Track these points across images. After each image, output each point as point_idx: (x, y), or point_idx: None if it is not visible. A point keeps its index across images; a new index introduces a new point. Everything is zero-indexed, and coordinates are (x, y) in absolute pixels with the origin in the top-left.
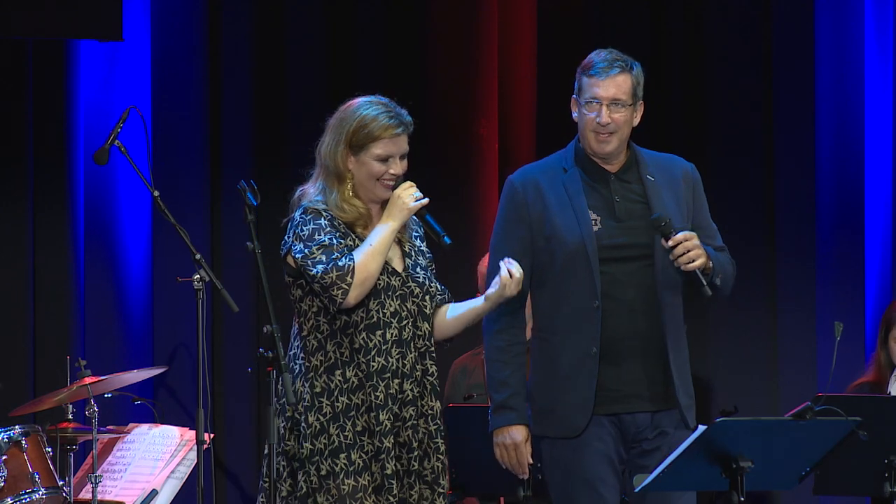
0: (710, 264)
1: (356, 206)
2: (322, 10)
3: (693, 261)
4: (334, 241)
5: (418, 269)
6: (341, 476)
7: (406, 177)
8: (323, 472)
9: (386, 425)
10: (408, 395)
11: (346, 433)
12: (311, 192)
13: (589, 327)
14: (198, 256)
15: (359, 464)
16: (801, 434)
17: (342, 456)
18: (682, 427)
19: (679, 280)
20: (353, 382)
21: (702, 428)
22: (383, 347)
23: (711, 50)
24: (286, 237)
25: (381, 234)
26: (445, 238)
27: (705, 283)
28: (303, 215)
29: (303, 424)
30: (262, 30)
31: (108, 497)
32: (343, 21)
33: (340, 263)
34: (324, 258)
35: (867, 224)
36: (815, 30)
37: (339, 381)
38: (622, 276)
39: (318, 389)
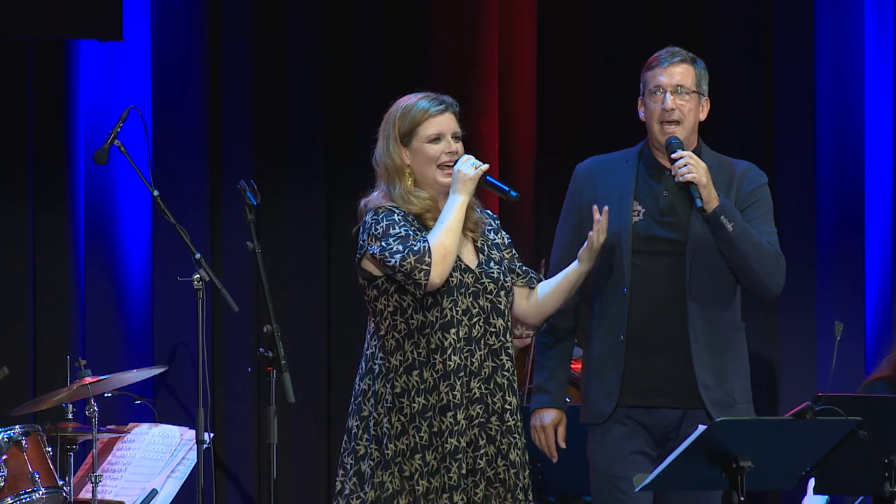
0: (715, 196)
1: (422, 198)
2: (322, 10)
3: (690, 174)
4: (410, 232)
5: (492, 265)
6: (416, 477)
7: None
8: (406, 474)
9: (463, 424)
10: (475, 394)
11: (422, 434)
12: (375, 196)
13: (617, 314)
14: (198, 256)
15: (433, 465)
16: (801, 434)
17: (417, 457)
18: None
19: (723, 280)
20: (430, 383)
21: (702, 428)
22: (458, 346)
23: (711, 50)
24: (360, 242)
25: (451, 211)
26: (512, 192)
27: (697, 196)
28: (374, 216)
29: (385, 425)
30: (262, 30)
31: (108, 497)
32: (343, 21)
33: (416, 248)
34: (400, 247)
35: (867, 224)
36: (815, 30)
37: (417, 381)
38: (654, 270)
39: (398, 390)
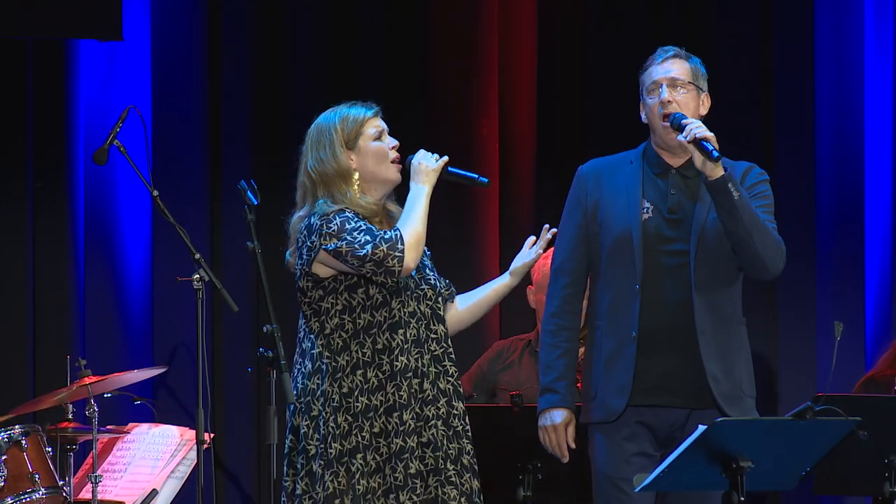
0: (722, 167)
1: (369, 202)
2: (322, 9)
3: (705, 131)
4: (371, 226)
5: (427, 271)
6: (357, 476)
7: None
8: (350, 474)
9: (409, 425)
10: (428, 395)
11: (364, 434)
12: (317, 207)
13: (629, 312)
14: (197, 256)
15: (371, 465)
16: (801, 434)
17: (359, 456)
18: None
19: (725, 275)
20: (374, 383)
21: (702, 428)
22: (405, 346)
23: (711, 51)
24: (308, 245)
25: (418, 200)
26: (481, 179)
27: (713, 148)
28: (322, 218)
29: (331, 425)
30: (263, 30)
31: (108, 497)
32: (343, 21)
33: (387, 236)
34: (368, 237)
35: (867, 224)
36: (815, 30)
37: (361, 380)
38: (663, 269)
39: (345, 389)
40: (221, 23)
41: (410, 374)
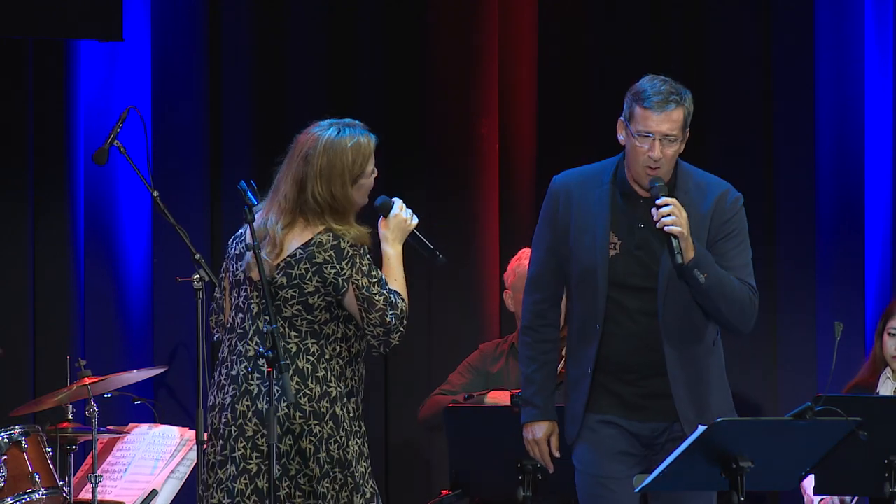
0: (692, 246)
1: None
2: (322, 10)
3: (674, 227)
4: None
5: None
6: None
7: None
8: (368, 496)
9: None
10: None
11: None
12: (348, 236)
13: (588, 349)
14: (197, 256)
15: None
16: (801, 434)
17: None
18: None
19: (693, 310)
20: (359, 411)
21: (702, 428)
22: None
23: (711, 50)
24: (335, 267)
25: (399, 264)
26: (440, 256)
27: (678, 251)
28: (354, 249)
29: (350, 450)
30: (263, 30)
31: (108, 497)
32: (343, 21)
33: (402, 307)
34: (391, 299)
35: (867, 224)
36: (815, 30)
37: (353, 407)
38: (630, 304)
39: (350, 415)
40: (221, 23)
41: None
